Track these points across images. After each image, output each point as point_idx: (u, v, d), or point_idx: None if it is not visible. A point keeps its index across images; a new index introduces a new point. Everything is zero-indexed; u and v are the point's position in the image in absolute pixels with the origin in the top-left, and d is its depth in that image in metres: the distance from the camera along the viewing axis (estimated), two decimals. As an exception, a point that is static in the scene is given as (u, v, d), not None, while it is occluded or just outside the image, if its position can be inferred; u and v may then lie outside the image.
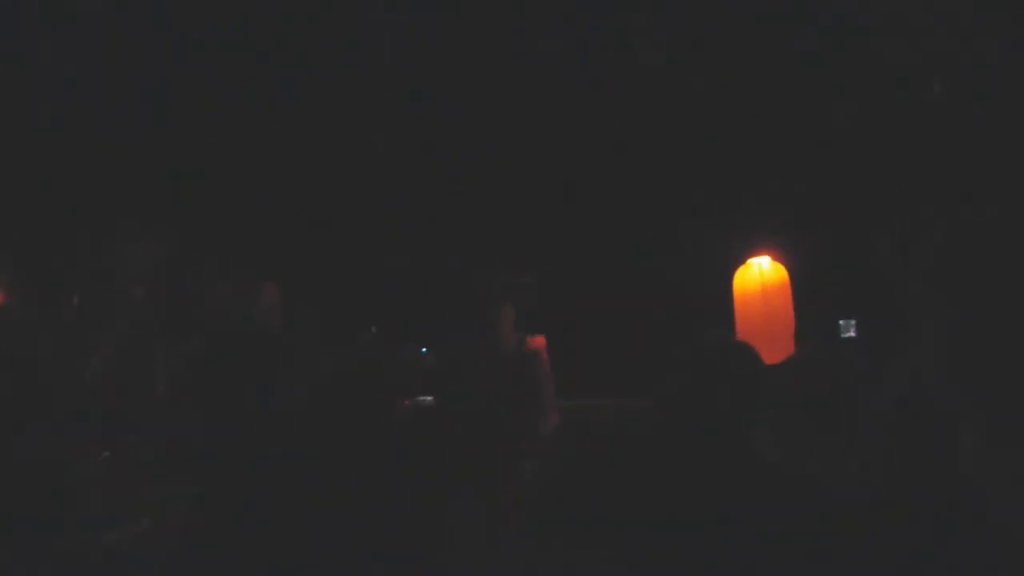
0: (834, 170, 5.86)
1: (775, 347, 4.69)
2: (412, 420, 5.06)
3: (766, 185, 5.93)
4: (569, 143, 6.15)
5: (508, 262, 5.44)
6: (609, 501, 1.91)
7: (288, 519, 4.03)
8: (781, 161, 5.92)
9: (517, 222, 6.40)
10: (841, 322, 6.05)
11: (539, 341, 5.02)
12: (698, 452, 1.99)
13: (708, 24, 5.48)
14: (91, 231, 5.93)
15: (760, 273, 5.40)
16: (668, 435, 2.07)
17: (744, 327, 5.28)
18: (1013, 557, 1.66)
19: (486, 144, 6.30)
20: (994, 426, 1.71)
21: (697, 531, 1.78)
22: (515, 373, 4.99)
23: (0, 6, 5.48)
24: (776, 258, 5.44)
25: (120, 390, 5.09)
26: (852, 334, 6.07)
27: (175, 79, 5.81)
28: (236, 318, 5.41)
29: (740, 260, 5.48)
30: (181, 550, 4.29)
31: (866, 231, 5.61)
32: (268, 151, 6.24)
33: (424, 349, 6.00)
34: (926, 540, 1.73)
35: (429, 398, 5.33)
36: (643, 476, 1.95)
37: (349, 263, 6.44)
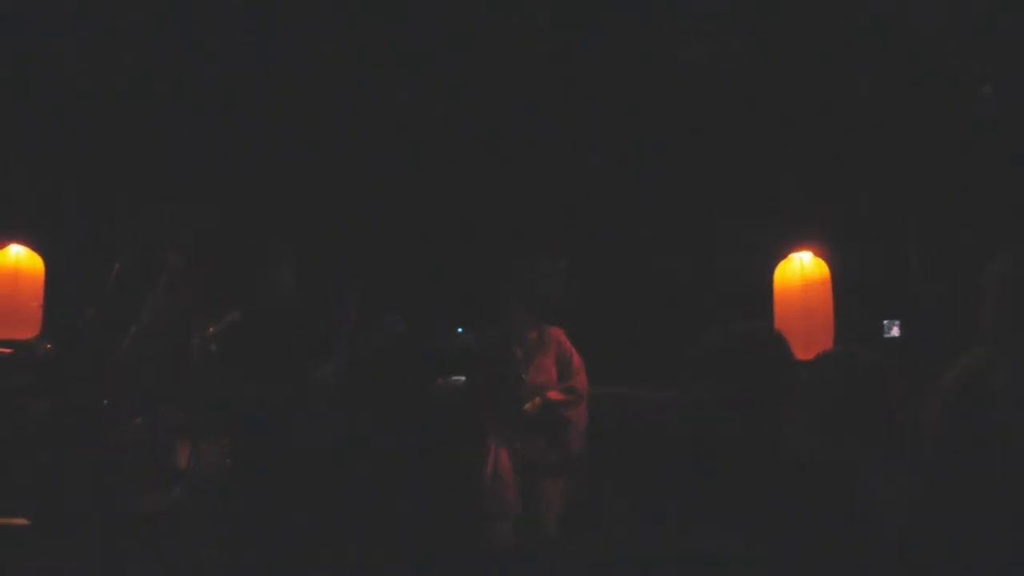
0: (883, 165, 5.86)
1: (812, 344, 4.89)
2: (446, 398, 5.28)
3: (811, 178, 5.94)
4: (610, 133, 6.24)
5: (540, 249, 5.48)
6: (640, 490, 1.99)
7: (323, 493, 4.58)
8: (828, 154, 5.93)
9: (552, 213, 6.49)
10: (885, 322, 6.04)
11: (556, 332, 5.14)
12: (724, 444, 1.98)
13: (754, 10, 5.47)
14: (132, 197, 6.21)
15: (801, 268, 5.36)
16: (695, 424, 2.07)
17: (782, 322, 5.29)
18: None
19: (525, 132, 6.39)
20: None
21: (722, 524, 1.80)
22: (541, 357, 5.10)
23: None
24: (818, 253, 5.40)
25: (157, 359, 5.32)
26: (896, 334, 6.05)
27: (225, 52, 5.94)
28: (280, 293, 5.54)
29: (783, 254, 5.46)
30: (215, 518, 4.69)
31: (914, 230, 5.95)
32: (308, 131, 6.38)
33: (460, 329, 6.10)
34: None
35: (463, 378, 5.65)
36: (672, 466, 2.00)
37: (389, 250, 6.52)
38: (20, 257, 5.74)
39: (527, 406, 4.91)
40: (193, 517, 5.07)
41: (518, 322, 5.06)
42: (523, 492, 4.88)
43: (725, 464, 1.93)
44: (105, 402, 5.14)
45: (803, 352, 4.55)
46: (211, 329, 5.38)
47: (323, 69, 6.00)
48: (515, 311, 5.06)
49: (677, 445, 2.02)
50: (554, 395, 4.94)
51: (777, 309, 5.37)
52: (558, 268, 5.26)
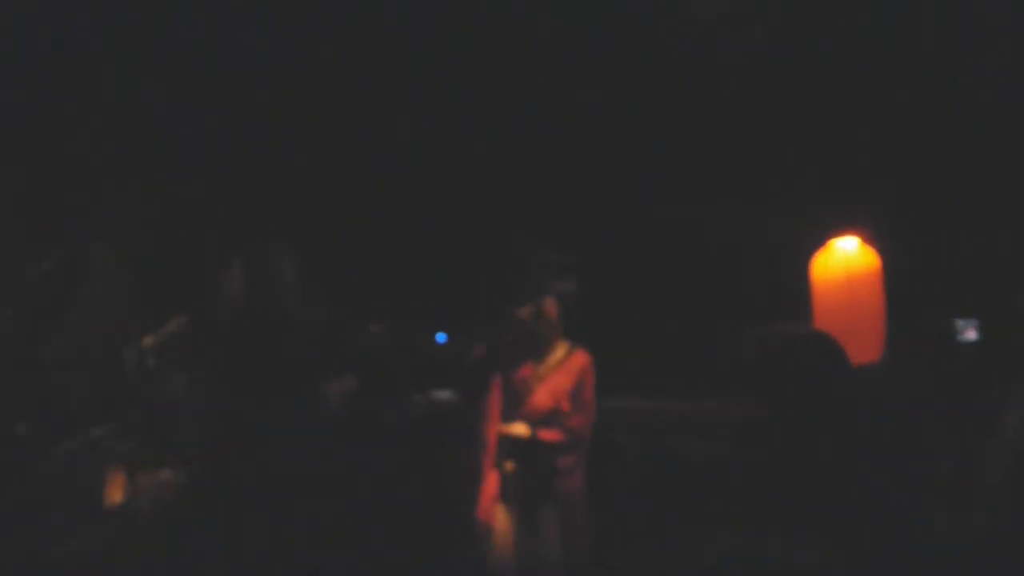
0: (952, 125, 5.50)
1: (859, 348, 4.40)
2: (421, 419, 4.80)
3: (856, 150, 5.58)
4: (626, 112, 5.95)
5: (547, 241, 5.10)
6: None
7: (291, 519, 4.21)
8: (875, 121, 5.55)
9: (564, 198, 6.21)
10: (960, 322, 5.61)
11: (583, 357, 4.70)
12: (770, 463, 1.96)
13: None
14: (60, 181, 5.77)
15: (846, 258, 5.06)
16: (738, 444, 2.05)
17: (823, 323, 4.94)
18: None
19: (544, 113, 6.12)
20: None
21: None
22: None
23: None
24: (866, 240, 5.09)
25: (88, 372, 4.78)
26: (972, 336, 5.63)
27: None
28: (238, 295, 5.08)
29: (821, 241, 5.16)
30: (153, 560, 4.13)
31: (988, 207, 5.46)
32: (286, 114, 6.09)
33: (441, 336, 5.58)
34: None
35: (445, 392, 5.31)
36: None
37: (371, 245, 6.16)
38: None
39: (508, 428, 4.45)
40: (128, 559, 4.46)
41: (538, 328, 4.57)
42: (521, 521, 4.46)
43: (775, 483, 1.90)
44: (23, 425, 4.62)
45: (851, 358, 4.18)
46: (148, 339, 4.86)
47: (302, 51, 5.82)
48: (540, 312, 4.57)
49: (713, 466, 2.09)
50: (545, 434, 4.44)
51: (816, 308, 5.07)
52: (570, 264, 4.87)
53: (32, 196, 5.74)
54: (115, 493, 4.70)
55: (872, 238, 5.03)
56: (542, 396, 4.46)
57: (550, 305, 4.56)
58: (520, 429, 4.44)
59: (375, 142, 6.06)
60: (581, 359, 4.56)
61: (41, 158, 5.84)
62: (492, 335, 4.77)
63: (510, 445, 4.45)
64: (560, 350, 4.58)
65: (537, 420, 4.45)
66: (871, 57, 5.41)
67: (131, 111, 5.88)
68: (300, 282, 5.28)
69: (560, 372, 4.53)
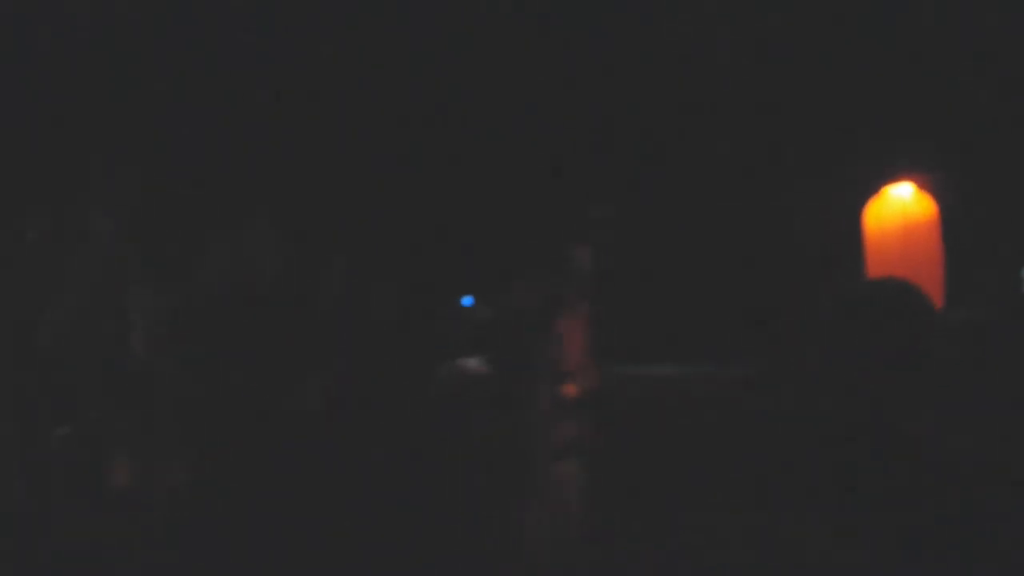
0: (1001, 68, 5.31)
1: None
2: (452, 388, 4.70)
3: (911, 86, 5.37)
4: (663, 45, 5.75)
5: (583, 192, 5.22)
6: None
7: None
8: (934, 53, 5.35)
9: (586, 147, 6.00)
10: None
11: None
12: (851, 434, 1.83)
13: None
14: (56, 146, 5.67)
15: (901, 206, 4.97)
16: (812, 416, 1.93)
17: (877, 276, 4.81)
18: None
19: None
20: None
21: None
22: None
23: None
24: (923, 187, 4.99)
25: (85, 350, 4.80)
26: None
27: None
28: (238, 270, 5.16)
29: (874, 189, 5.05)
30: (163, 551, 4.39)
31: None
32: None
33: (469, 300, 5.72)
34: None
35: (474, 360, 5.13)
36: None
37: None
38: None
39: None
40: (136, 550, 4.55)
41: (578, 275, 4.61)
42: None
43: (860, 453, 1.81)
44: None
45: None
46: (151, 316, 4.88)
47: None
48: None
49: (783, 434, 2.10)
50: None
51: (870, 260, 4.95)
52: (610, 215, 4.99)
53: (27, 165, 5.64)
54: (119, 478, 4.67)
55: (929, 184, 4.94)
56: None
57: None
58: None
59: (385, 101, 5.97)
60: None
61: (37, 128, 5.73)
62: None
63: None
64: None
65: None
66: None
67: (128, 81, 5.76)
68: (293, 258, 5.23)
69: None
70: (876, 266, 4.86)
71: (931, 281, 4.76)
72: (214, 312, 4.92)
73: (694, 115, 5.74)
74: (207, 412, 4.71)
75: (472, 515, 4.53)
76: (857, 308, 1.96)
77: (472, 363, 5.05)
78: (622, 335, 4.62)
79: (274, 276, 5.02)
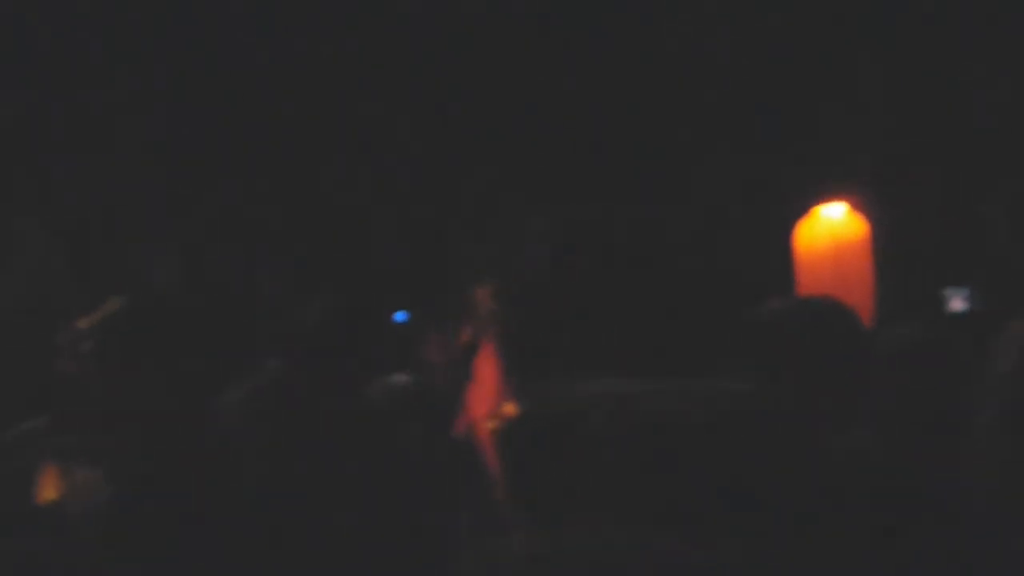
0: (941, 83, 5.39)
1: None
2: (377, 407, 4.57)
3: (843, 109, 5.44)
4: (593, 59, 5.74)
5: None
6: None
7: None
8: (864, 78, 5.43)
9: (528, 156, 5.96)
10: (948, 291, 5.56)
11: None
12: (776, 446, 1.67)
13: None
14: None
15: (832, 226, 5.03)
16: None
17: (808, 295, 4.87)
18: None
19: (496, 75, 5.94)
20: None
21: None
22: None
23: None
24: (854, 206, 5.05)
25: (17, 356, 4.80)
26: (962, 307, 5.60)
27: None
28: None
29: (805, 208, 5.12)
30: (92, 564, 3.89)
31: (979, 171, 5.40)
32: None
33: (400, 315, 5.61)
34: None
35: (403, 377, 4.88)
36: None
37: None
38: None
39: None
40: (61, 563, 4.41)
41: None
42: None
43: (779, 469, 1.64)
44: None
45: None
46: (83, 321, 4.74)
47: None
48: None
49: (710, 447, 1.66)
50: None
51: (801, 279, 5.03)
52: (543, 230, 4.79)
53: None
54: (48, 491, 4.70)
55: (860, 204, 4.99)
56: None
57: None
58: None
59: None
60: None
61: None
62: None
63: None
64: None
65: None
66: (856, 16, 5.34)
67: (70, 84, 5.65)
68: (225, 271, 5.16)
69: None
70: (807, 285, 4.90)
71: (862, 300, 4.75)
72: (141, 323, 4.96)
73: (629, 133, 5.75)
74: (135, 424, 4.74)
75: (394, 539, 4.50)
76: (782, 325, 1.98)
77: (402, 379, 5.05)
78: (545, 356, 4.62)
79: (198, 287, 5.06)
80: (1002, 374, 1.83)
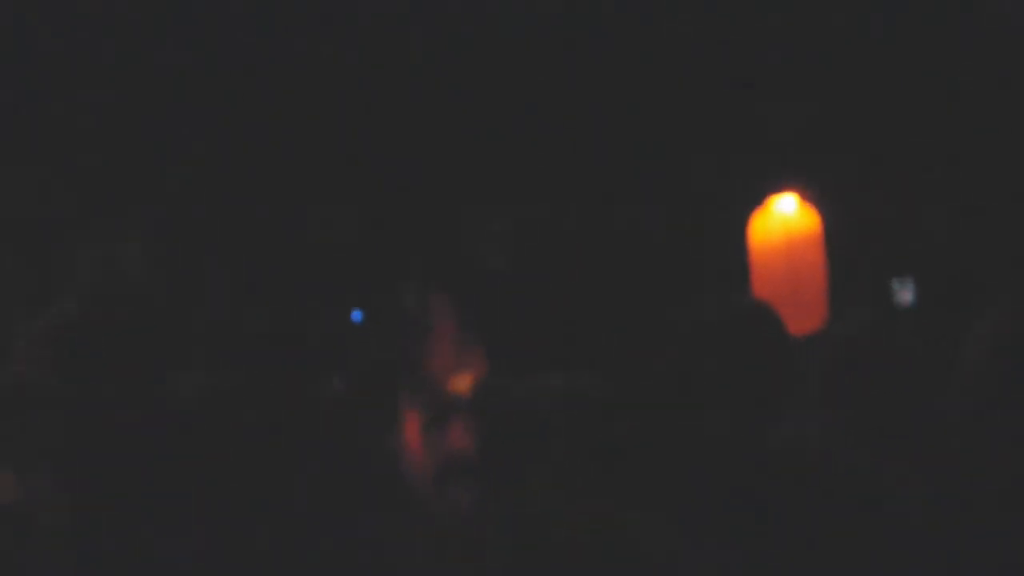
0: (889, 82, 5.43)
1: (801, 315, 4.52)
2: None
3: (793, 99, 5.48)
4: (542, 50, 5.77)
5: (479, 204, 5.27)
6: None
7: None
8: (814, 68, 5.46)
9: (488, 155, 6.01)
10: (896, 283, 5.62)
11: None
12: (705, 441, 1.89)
13: None
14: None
15: (785, 220, 4.99)
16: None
17: (762, 289, 4.91)
18: None
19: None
20: None
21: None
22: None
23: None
24: (805, 199, 5.02)
25: None
26: (908, 298, 5.66)
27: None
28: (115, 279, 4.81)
29: (758, 201, 5.06)
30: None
31: (930, 162, 5.42)
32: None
33: (357, 315, 5.60)
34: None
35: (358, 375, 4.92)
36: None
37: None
38: None
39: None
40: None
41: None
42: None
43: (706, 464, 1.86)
44: None
45: (791, 327, 4.10)
46: (35, 326, 4.73)
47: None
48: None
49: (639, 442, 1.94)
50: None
51: (755, 274, 5.00)
52: (505, 228, 4.98)
53: None
54: (3, 496, 4.66)
55: (812, 196, 4.99)
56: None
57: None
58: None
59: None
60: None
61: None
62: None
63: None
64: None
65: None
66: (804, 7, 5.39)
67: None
68: (158, 269, 5.12)
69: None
70: (761, 279, 4.91)
71: (815, 292, 4.84)
72: (90, 327, 4.92)
73: (579, 123, 5.74)
74: (87, 428, 4.68)
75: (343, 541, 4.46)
76: (703, 328, 1.99)
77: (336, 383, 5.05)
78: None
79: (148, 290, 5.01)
80: (976, 360, 1.88)
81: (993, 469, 1.82)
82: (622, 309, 5.06)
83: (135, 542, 4.36)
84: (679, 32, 5.49)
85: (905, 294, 5.66)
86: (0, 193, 5.28)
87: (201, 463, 4.54)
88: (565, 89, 5.71)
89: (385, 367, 4.37)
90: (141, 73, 5.64)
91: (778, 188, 4.98)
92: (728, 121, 5.56)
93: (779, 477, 1.85)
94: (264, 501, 4.62)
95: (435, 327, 4.43)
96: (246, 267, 5.27)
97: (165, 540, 4.41)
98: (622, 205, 5.74)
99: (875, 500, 1.86)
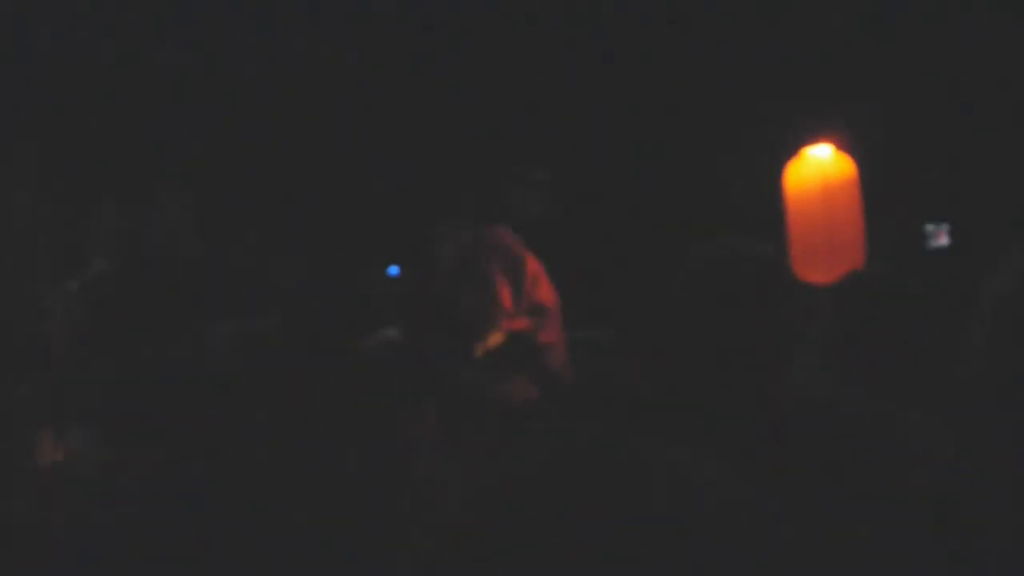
0: (923, 28, 5.30)
1: (839, 261, 4.62)
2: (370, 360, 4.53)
3: (828, 50, 5.37)
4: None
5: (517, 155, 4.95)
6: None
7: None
8: (849, 17, 5.35)
9: (525, 108, 5.95)
10: (929, 227, 5.60)
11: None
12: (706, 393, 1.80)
13: None
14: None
15: (820, 167, 4.96)
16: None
17: (799, 237, 4.95)
18: None
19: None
20: None
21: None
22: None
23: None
24: (841, 147, 4.99)
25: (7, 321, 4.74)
26: (943, 242, 5.64)
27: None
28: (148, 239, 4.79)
29: (794, 150, 5.05)
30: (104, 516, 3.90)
31: (963, 106, 5.39)
32: None
33: (393, 269, 5.38)
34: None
35: (393, 331, 4.90)
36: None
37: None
38: None
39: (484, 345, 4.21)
40: (70, 524, 4.46)
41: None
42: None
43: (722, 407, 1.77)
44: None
45: (829, 273, 4.42)
46: (72, 283, 4.61)
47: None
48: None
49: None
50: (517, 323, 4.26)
51: (791, 222, 5.00)
52: (541, 180, 4.65)
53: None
54: (47, 455, 4.69)
55: (847, 144, 4.95)
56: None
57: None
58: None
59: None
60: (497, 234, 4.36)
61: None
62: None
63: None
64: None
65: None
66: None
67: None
68: (197, 218, 5.14)
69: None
70: (798, 227, 4.91)
71: (851, 239, 4.84)
72: (125, 286, 4.93)
73: (617, 80, 5.70)
74: (124, 387, 4.71)
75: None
76: (703, 273, 1.92)
77: (391, 333, 4.99)
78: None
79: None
80: (999, 296, 1.85)
81: (1009, 411, 1.81)
82: (656, 258, 5.03)
83: (169, 496, 4.42)
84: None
85: (941, 237, 5.62)
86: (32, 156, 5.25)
87: (234, 407, 4.60)
88: (606, 46, 5.65)
89: (455, 314, 4.44)
90: (175, 34, 5.62)
91: (814, 137, 4.95)
92: (762, 70, 5.50)
93: (787, 425, 1.81)
94: (302, 446, 4.67)
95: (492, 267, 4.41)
96: (281, 221, 5.26)
97: (200, 490, 4.47)
98: (658, 157, 5.73)
99: (885, 448, 1.80)
